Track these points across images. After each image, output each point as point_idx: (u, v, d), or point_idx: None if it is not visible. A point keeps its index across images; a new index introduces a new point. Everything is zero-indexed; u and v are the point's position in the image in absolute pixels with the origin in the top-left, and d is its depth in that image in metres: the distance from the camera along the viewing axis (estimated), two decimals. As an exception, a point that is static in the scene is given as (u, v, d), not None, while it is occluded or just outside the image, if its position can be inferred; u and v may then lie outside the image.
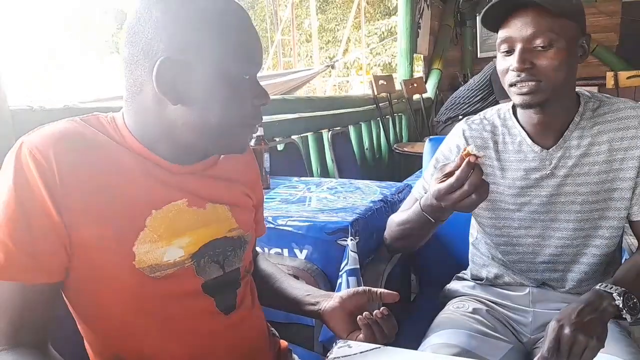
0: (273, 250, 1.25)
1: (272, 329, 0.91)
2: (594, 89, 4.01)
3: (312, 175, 2.71)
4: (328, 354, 0.75)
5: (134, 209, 0.67)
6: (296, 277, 1.14)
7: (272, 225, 1.24)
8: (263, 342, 0.84)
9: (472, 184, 0.81)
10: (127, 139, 0.70)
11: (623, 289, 0.84)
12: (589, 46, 0.96)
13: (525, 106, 0.96)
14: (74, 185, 0.63)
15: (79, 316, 0.71)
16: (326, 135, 2.90)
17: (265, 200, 0.96)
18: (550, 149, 1.00)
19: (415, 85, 4.14)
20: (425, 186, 1.12)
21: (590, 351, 0.77)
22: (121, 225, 0.66)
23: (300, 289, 0.87)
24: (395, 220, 1.09)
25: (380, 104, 3.63)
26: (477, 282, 1.16)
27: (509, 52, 0.93)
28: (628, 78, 3.90)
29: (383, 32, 12.64)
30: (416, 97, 4.18)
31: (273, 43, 9.52)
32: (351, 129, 3.34)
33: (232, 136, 0.70)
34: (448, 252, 1.37)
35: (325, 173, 2.83)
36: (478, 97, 3.62)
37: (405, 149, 3.35)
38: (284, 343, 0.91)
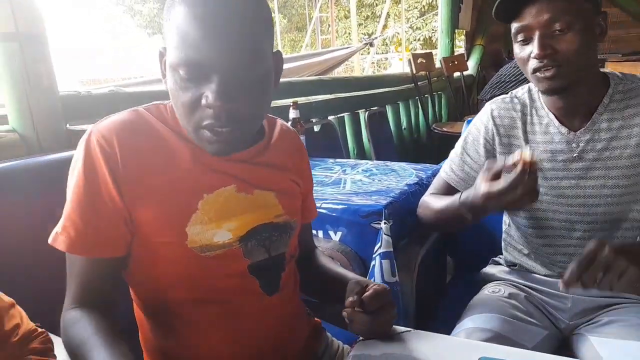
0: (308, 232, 1.28)
1: (307, 307, 0.93)
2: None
3: (349, 156, 2.71)
4: (359, 337, 0.77)
5: (188, 192, 0.71)
6: (331, 257, 1.16)
7: (307, 207, 1.26)
8: (300, 321, 0.88)
9: (525, 190, 0.80)
10: (181, 128, 0.73)
11: None
12: (606, 24, 0.94)
13: (549, 92, 0.94)
14: (134, 170, 0.68)
15: (133, 288, 0.77)
16: (363, 115, 2.88)
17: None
18: (578, 132, 0.98)
19: (455, 62, 4.02)
20: (453, 167, 1.13)
21: (626, 278, 0.71)
22: (175, 207, 0.70)
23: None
24: (432, 206, 1.10)
25: (418, 83, 3.56)
26: (512, 267, 1.15)
27: (526, 40, 0.92)
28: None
29: (424, 6, 12.28)
30: (456, 74, 4.07)
31: (311, 20, 9.43)
32: (388, 108, 3.30)
33: (193, 134, 0.68)
34: (486, 234, 1.36)
35: (361, 153, 2.82)
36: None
37: (445, 129, 3.28)
38: (317, 321, 0.94)
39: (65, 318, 0.69)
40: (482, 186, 0.86)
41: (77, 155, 0.69)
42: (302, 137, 1.64)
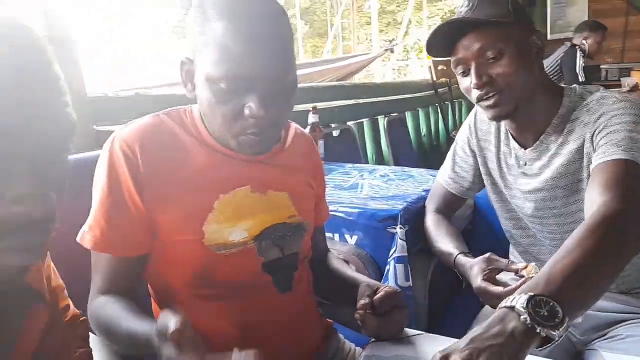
0: (324, 235, 1.29)
1: (320, 309, 0.95)
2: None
3: (368, 162, 2.72)
4: (371, 339, 0.78)
5: (204, 193, 0.75)
6: (346, 261, 1.18)
7: (324, 211, 1.27)
8: (313, 322, 0.89)
9: None
10: (200, 131, 0.77)
11: (531, 293, 0.58)
12: (542, 41, 0.95)
13: (496, 119, 0.96)
14: (154, 174, 0.72)
15: (151, 283, 0.81)
16: (382, 121, 2.89)
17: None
18: (528, 150, 1.00)
19: (477, 69, 4.00)
20: (446, 167, 1.19)
21: None
22: (193, 208, 0.74)
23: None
24: (431, 236, 1.14)
25: (439, 90, 3.55)
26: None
27: (465, 72, 0.94)
28: None
29: (445, 13, 12.21)
30: (478, 82, 4.04)
31: (332, 26, 9.47)
32: (408, 115, 3.30)
33: (231, 138, 0.72)
34: (502, 240, 1.35)
35: (380, 160, 2.83)
36: (547, 82, 3.45)
37: (464, 136, 3.26)
38: (330, 322, 0.95)
39: (93, 304, 0.73)
40: (478, 279, 0.89)
41: (102, 161, 0.73)
42: (321, 142, 1.66)
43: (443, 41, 0.95)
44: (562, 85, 1.00)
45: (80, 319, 0.70)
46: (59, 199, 0.43)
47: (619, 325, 1.00)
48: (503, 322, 0.55)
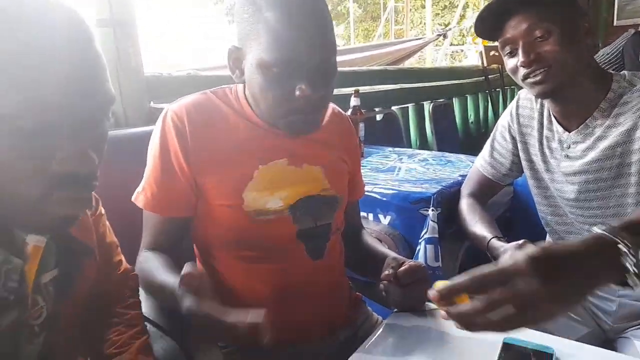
0: (359, 214, 1.34)
1: (350, 282, 1.00)
2: None
3: (410, 147, 2.73)
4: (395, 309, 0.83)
5: (245, 163, 0.82)
6: (379, 240, 1.22)
7: (359, 191, 1.31)
8: (343, 292, 0.95)
9: None
10: (243, 108, 0.84)
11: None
12: (590, 24, 0.95)
13: (542, 96, 0.96)
14: (200, 143, 0.80)
15: (196, 245, 0.89)
16: (427, 107, 2.87)
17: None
18: (572, 132, 0.99)
19: (532, 56, 3.85)
20: (484, 152, 1.20)
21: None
22: (234, 176, 0.81)
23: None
24: (464, 219, 1.15)
25: (490, 76, 3.46)
26: None
27: (512, 52, 0.95)
28: None
29: (505, -3, 11.68)
30: (532, 69, 3.90)
31: (385, 9, 9.33)
32: (455, 101, 3.25)
33: (282, 119, 0.78)
34: (537, 230, 1.35)
35: (424, 145, 2.82)
36: (607, 71, 3.27)
37: (514, 125, 3.18)
38: (358, 295, 1.01)
39: (140, 258, 0.83)
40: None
41: (156, 130, 0.82)
42: (361, 125, 1.69)
43: (491, 22, 0.96)
44: (611, 72, 0.99)
45: (132, 273, 0.79)
46: (99, 159, 0.50)
47: None
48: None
